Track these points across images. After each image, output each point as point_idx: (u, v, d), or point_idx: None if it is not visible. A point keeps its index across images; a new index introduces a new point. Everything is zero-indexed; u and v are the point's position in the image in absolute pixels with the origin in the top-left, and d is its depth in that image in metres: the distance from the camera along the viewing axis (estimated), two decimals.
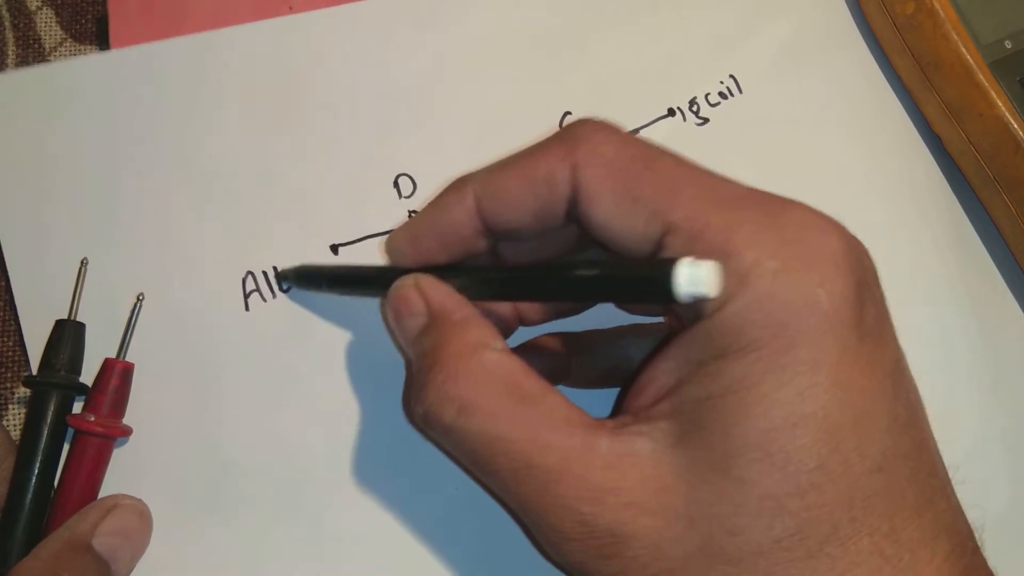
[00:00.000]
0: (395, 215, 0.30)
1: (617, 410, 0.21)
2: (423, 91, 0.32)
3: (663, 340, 0.21)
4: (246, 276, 0.29)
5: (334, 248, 0.30)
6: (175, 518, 0.27)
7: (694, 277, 0.17)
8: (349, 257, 0.30)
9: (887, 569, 0.18)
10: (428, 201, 0.23)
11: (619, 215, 0.20)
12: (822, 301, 0.18)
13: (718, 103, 0.34)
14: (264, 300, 0.29)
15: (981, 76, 0.32)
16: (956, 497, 0.20)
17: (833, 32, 0.36)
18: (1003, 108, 0.32)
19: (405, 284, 0.23)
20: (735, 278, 0.18)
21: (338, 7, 0.32)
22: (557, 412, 0.20)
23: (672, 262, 0.17)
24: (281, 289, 0.29)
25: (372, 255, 0.30)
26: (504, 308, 0.26)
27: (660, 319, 0.27)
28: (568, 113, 0.32)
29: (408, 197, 0.31)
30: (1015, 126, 0.31)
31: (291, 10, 0.32)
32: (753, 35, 0.35)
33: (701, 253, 0.18)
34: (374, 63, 0.32)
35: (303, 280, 0.28)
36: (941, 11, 0.32)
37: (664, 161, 0.20)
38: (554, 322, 0.27)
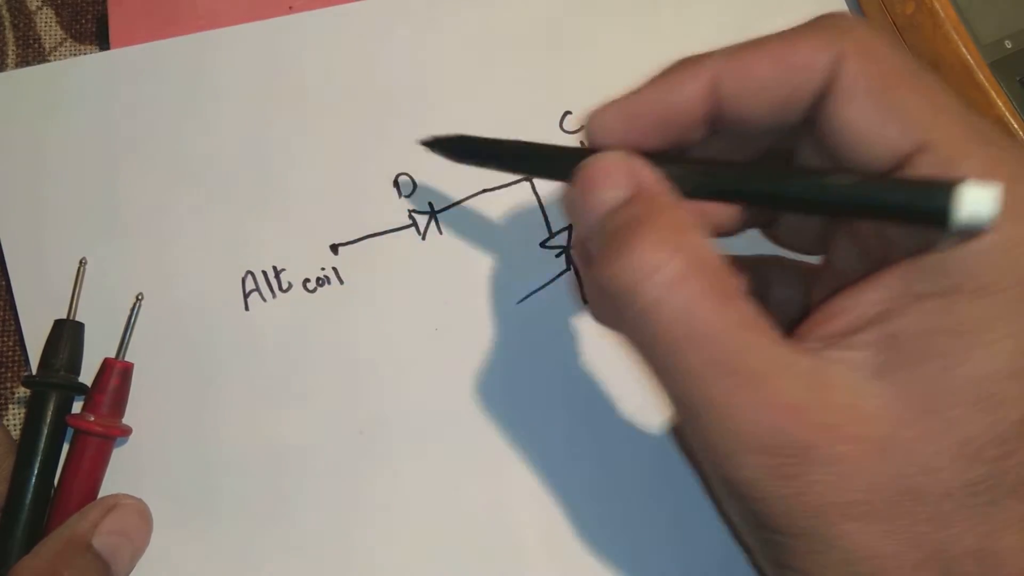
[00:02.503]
0: (395, 214, 0.30)
1: (793, 337, 0.20)
2: (423, 91, 0.32)
3: (841, 278, 0.20)
4: (246, 276, 0.29)
5: (334, 248, 0.30)
6: (175, 518, 0.27)
7: (977, 203, 0.15)
8: (349, 257, 0.30)
9: None
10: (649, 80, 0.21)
11: (874, 119, 0.18)
12: None
13: None
14: (264, 300, 0.29)
15: (981, 76, 0.32)
16: None
17: None
18: (1003, 108, 0.32)
19: (611, 156, 0.20)
20: None
21: (338, 7, 0.32)
22: (760, 319, 0.18)
23: (952, 184, 0.15)
24: (429, 148, 0.26)
25: (373, 254, 0.30)
26: None
27: (808, 258, 0.25)
28: (568, 113, 0.32)
29: (408, 196, 0.31)
30: (1015, 126, 0.31)
31: (291, 10, 0.32)
32: (753, 34, 0.35)
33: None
34: (374, 63, 0.32)
35: (462, 151, 0.25)
36: (941, 11, 0.32)
37: (931, 77, 0.19)
38: None
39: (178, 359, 0.28)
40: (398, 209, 0.31)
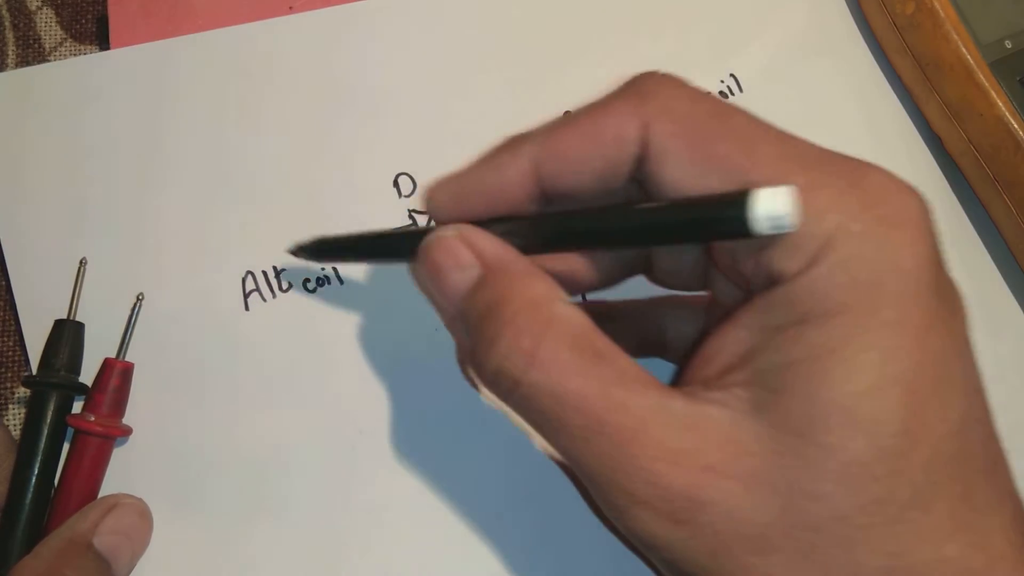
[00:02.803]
0: (395, 215, 0.30)
1: (678, 383, 0.21)
2: (423, 91, 0.32)
3: (726, 312, 0.20)
4: (246, 276, 0.29)
5: None
6: (175, 518, 0.27)
7: (774, 203, 0.16)
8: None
9: (961, 534, 0.18)
10: (478, 157, 0.22)
11: (692, 175, 0.19)
12: (906, 263, 0.17)
13: None
14: (264, 300, 0.29)
15: (981, 76, 0.32)
16: (1010, 467, 0.20)
17: (833, 32, 0.36)
18: (1003, 108, 0.32)
19: (447, 235, 0.21)
20: (819, 241, 0.17)
21: (338, 7, 0.32)
22: (630, 371, 0.19)
23: (747, 192, 0.16)
24: (296, 255, 0.27)
25: None
26: None
27: (698, 292, 0.26)
28: (568, 113, 0.32)
29: (408, 196, 0.31)
30: (1015, 126, 0.31)
31: (291, 10, 0.32)
32: (753, 35, 0.35)
33: None
34: (374, 62, 0.32)
35: (322, 252, 0.27)
36: (941, 11, 0.32)
37: (739, 118, 0.19)
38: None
39: (178, 359, 0.28)
40: (398, 209, 0.31)
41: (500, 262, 0.20)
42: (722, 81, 0.34)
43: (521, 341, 0.19)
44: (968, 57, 0.32)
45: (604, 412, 0.19)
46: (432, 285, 0.21)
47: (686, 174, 0.19)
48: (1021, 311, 0.34)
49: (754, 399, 0.18)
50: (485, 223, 0.21)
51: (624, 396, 0.19)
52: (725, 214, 0.17)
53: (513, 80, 0.32)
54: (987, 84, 0.32)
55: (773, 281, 0.18)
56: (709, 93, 0.20)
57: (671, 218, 0.18)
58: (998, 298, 0.34)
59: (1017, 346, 0.33)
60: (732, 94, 0.34)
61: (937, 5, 0.32)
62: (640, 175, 0.20)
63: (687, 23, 0.34)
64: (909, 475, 0.17)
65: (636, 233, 0.19)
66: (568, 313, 0.19)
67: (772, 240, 0.18)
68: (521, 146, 0.21)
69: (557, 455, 0.20)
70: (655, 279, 0.25)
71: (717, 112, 0.19)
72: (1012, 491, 0.19)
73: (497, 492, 0.28)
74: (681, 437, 0.18)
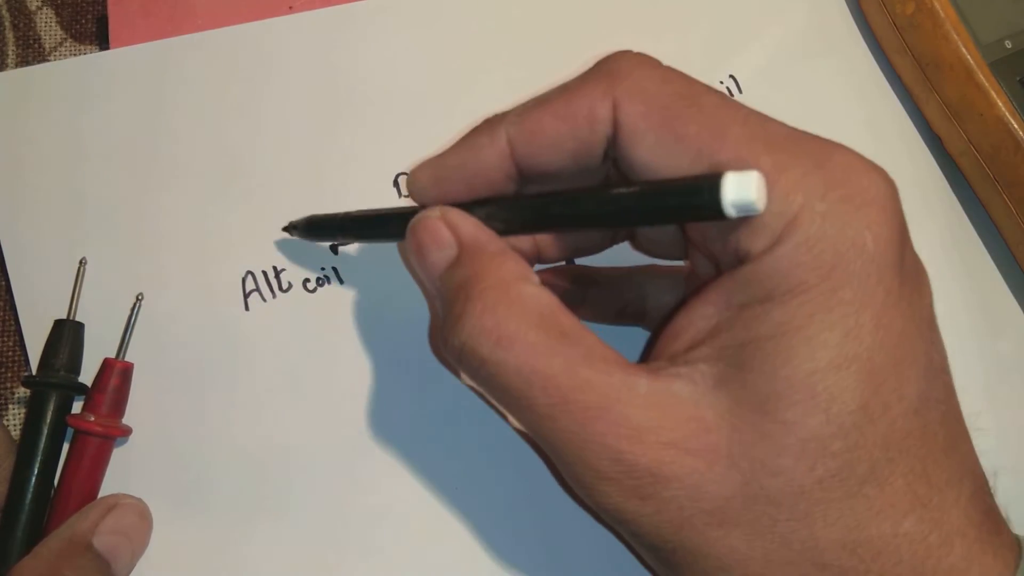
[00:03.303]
0: None
1: (647, 358, 0.21)
2: (423, 91, 0.32)
3: (696, 288, 0.21)
4: (246, 276, 0.29)
5: (334, 248, 0.30)
6: (175, 518, 0.27)
7: (742, 187, 0.16)
8: (349, 257, 0.30)
9: (920, 509, 0.18)
10: (456, 140, 0.22)
11: (662, 154, 0.19)
12: (868, 243, 0.18)
13: None
14: (264, 300, 0.29)
15: (981, 76, 0.32)
16: (973, 445, 0.20)
17: (833, 32, 0.36)
18: (1003, 108, 0.32)
19: (430, 215, 0.22)
20: (783, 220, 0.18)
21: (338, 7, 0.32)
22: (595, 350, 0.19)
23: (718, 175, 0.16)
24: (290, 232, 0.28)
25: (373, 253, 0.30)
26: (523, 244, 0.25)
27: (679, 262, 0.26)
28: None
29: (408, 196, 0.31)
30: (1015, 126, 0.31)
31: (291, 10, 0.32)
32: (753, 35, 0.35)
33: None
34: (374, 62, 0.32)
35: (314, 230, 0.27)
36: (941, 11, 0.32)
37: (709, 98, 0.19)
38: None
39: (178, 359, 0.28)
40: None
41: (475, 242, 0.21)
42: (721, 82, 0.34)
43: (486, 319, 0.19)
44: (968, 57, 0.32)
45: (569, 391, 0.19)
46: (415, 263, 0.22)
47: (656, 154, 0.19)
48: (1021, 311, 0.34)
49: (718, 375, 0.19)
50: (468, 205, 0.22)
51: (589, 375, 0.19)
52: (693, 198, 0.17)
53: (513, 80, 0.32)
54: (987, 84, 0.32)
55: (740, 260, 0.19)
56: (681, 73, 0.20)
57: (641, 202, 0.18)
58: (998, 298, 0.34)
59: (1017, 346, 0.33)
60: (732, 95, 0.34)
61: (937, 5, 0.32)
62: (613, 154, 0.20)
63: (687, 23, 0.34)
64: (866, 451, 0.18)
65: (608, 216, 0.19)
66: (535, 293, 0.20)
67: (739, 221, 0.18)
68: (497, 127, 0.21)
69: (526, 432, 0.21)
70: (639, 247, 0.26)
71: (687, 93, 0.19)
72: (973, 470, 0.20)
73: (497, 492, 0.28)
74: (645, 414, 0.19)
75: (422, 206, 0.23)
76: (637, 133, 0.19)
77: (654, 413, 0.19)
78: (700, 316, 0.20)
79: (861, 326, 0.18)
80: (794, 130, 0.19)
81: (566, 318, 0.20)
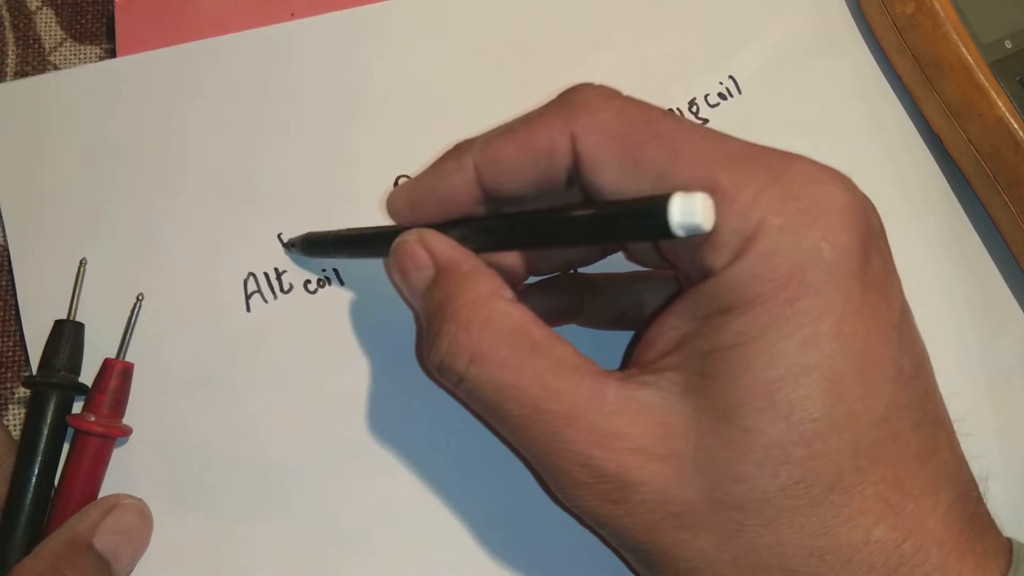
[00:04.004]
0: None
1: (626, 365, 0.22)
2: (423, 93, 0.32)
3: (670, 297, 0.21)
4: (247, 277, 0.29)
5: None
6: (175, 518, 0.27)
7: (687, 209, 0.17)
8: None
9: (891, 517, 0.18)
10: (427, 165, 0.23)
11: (623, 181, 0.20)
12: (825, 254, 0.18)
13: (717, 104, 0.34)
14: (265, 301, 0.29)
15: (981, 76, 0.32)
16: (960, 448, 0.20)
17: (833, 32, 0.36)
18: (1003, 108, 0.32)
19: (408, 240, 0.23)
20: (742, 236, 0.18)
21: (339, 12, 0.32)
22: (566, 361, 0.20)
23: (666, 196, 0.17)
24: (288, 249, 0.30)
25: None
26: (514, 258, 0.26)
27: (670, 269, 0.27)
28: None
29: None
30: (1015, 126, 0.31)
31: (293, 16, 0.32)
32: (752, 35, 0.35)
33: None
34: (375, 66, 0.32)
35: (310, 246, 0.28)
36: (941, 11, 0.32)
37: (665, 123, 0.20)
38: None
39: (179, 359, 0.28)
40: None
41: (450, 262, 0.22)
42: (721, 83, 0.34)
43: (461, 337, 0.20)
44: (968, 57, 0.32)
45: (541, 401, 0.20)
46: (399, 282, 0.23)
47: (618, 179, 0.20)
48: (1021, 311, 0.34)
49: (684, 383, 0.19)
50: (444, 226, 0.23)
51: (559, 385, 0.20)
52: (643, 219, 0.18)
53: (513, 83, 0.32)
54: (987, 84, 0.32)
55: (705, 274, 0.19)
56: (639, 101, 0.21)
57: (596, 223, 0.19)
58: (998, 298, 0.34)
59: (1017, 346, 0.33)
60: (731, 95, 0.34)
61: (937, 5, 0.32)
62: (577, 182, 0.21)
63: (687, 23, 0.34)
64: (831, 459, 0.18)
65: (568, 235, 0.20)
66: (507, 309, 0.21)
67: (700, 238, 0.18)
68: (464, 154, 0.22)
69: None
70: (631, 258, 0.27)
71: (644, 120, 0.20)
72: (953, 477, 0.20)
73: (497, 493, 0.28)
74: (613, 421, 0.19)
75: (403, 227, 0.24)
76: (597, 163, 0.20)
77: (622, 420, 0.19)
78: (670, 326, 0.20)
79: (820, 335, 0.18)
80: (752, 146, 0.20)
81: (538, 330, 0.21)
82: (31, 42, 0.33)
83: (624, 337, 0.27)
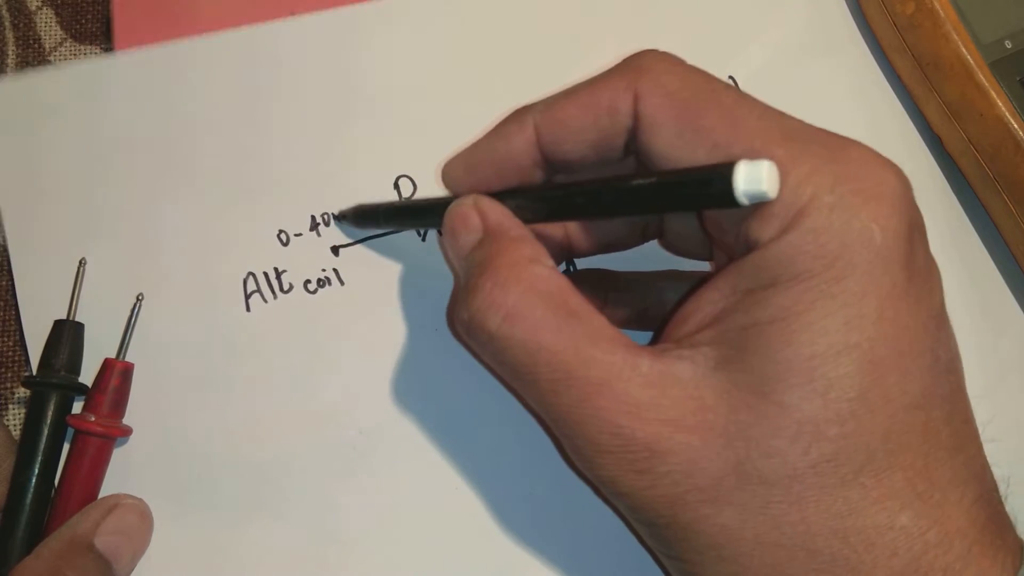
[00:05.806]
0: None
1: (655, 342, 0.22)
2: (423, 92, 0.32)
3: (707, 275, 0.21)
4: (247, 277, 0.29)
5: (335, 249, 0.30)
6: (175, 518, 0.27)
7: (753, 176, 0.17)
8: (350, 258, 0.30)
9: (918, 504, 0.18)
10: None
11: (680, 146, 0.20)
12: (875, 237, 0.18)
13: None
14: (265, 301, 0.29)
15: (981, 76, 0.32)
16: (983, 451, 0.20)
17: (833, 32, 0.36)
18: (1003, 108, 0.32)
19: (464, 203, 0.23)
20: (792, 211, 0.18)
21: (339, 9, 0.32)
22: (601, 330, 0.20)
23: (731, 164, 0.17)
24: (339, 221, 0.30)
25: (373, 256, 0.30)
26: (555, 235, 0.26)
27: (704, 264, 0.27)
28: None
29: (409, 198, 0.31)
30: (1015, 126, 0.31)
31: (293, 13, 0.32)
32: (752, 36, 0.35)
33: None
34: (375, 65, 0.32)
35: (361, 217, 0.29)
36: (941, 11, 0.32)
37: (727, 93, 0.20)
38: (598, 258, 0.28)
39: (178, 359, 0.28)
40: None
41: (499, 227, 0.22)
42: None
43: (496, 294, 0.20)
44: (968, 57, 0.32)
45: (574, 367, 0.20)
46: (447, 244, 0.23)
47: (675, 145, 0.20)
48: (1021, 311, 0.34)
49: (719, 357, 0.19)
50: (501, 195, 0.23)
51: (593, 352, 0.20)
52: (708, 186, 0.18)
53: (513, 82, 0.32)
54: (987, 84, 0.32)
55: (750, 248, 0.19)
56: (702, 71, 0.21)
57: (658, 190, 0.19)
58: (998, 298, 0.34)
59: (1017, 346, 0.33)
60: None
61: (937, 5, 0.32)
62: (634, 147, 0.21)
63: (687, 23, 0.34)
64: (864, 440, 0.18)
65: (628, 203, 0.20)
66: (546, 274, 0.21)
67: (751, 209, 0.18)
68: (525, 116, 0.22)
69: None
70: (667, 245, 0.27)
71: (706, 88, 0.20)
72: (980, 474, 0.20)
73: (498, 493, 0.28)
74: (645, 392, 0.19)
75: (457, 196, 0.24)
76: (656, 124, 0.20)
77: (654, 391, 0.19)
78: (707, 301, 0.20)
79: (863, 316, 0.18)
80: (810, 126, 0.20)
81: (574, 298, 0.20)
82: (31, 42, 0.33)
83: (644, 338, 0.27)
